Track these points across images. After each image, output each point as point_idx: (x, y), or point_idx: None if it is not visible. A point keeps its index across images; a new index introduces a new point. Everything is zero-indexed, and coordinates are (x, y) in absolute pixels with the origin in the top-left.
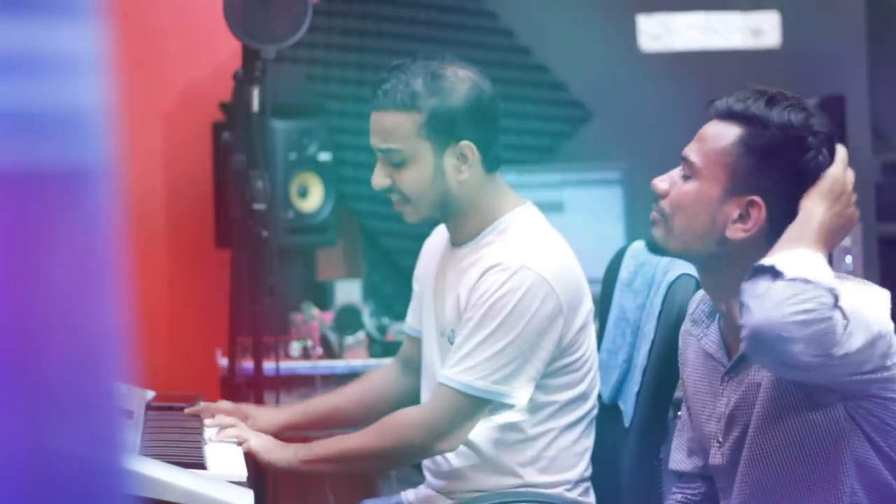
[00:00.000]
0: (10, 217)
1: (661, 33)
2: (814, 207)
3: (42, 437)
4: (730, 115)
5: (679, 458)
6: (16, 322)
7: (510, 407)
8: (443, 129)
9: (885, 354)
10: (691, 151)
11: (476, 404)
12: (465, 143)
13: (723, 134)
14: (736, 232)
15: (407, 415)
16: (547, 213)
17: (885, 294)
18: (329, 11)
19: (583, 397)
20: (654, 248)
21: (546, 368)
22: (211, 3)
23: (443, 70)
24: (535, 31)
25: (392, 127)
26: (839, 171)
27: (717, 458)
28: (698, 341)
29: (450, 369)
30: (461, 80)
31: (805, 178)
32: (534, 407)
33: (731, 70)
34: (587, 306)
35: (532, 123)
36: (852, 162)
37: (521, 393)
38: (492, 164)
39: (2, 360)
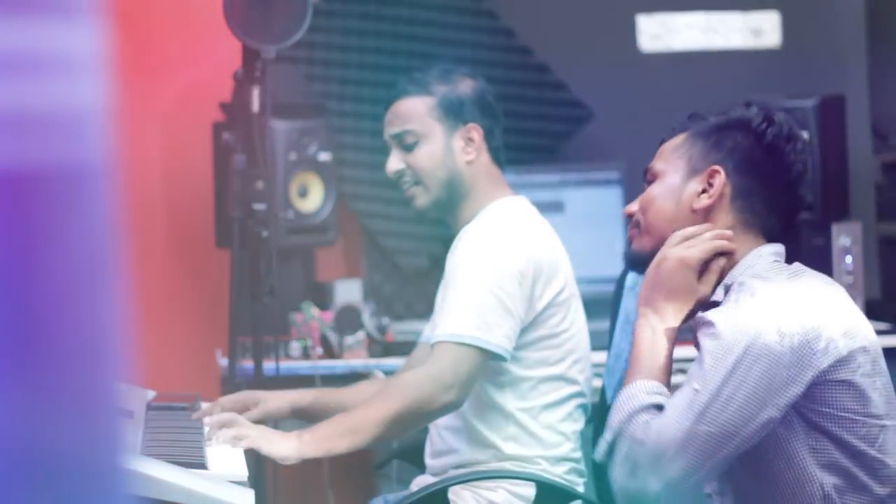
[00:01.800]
0: (10, 217)
1: (661, 33)
2: (641, 331)
3: (41, 437)
4: (676, 131)
5: None
6: (15, 322)
7: (500, 359)
8: (452, 111)
9: (805, 366)
10: (652, 163)
11: (471, 353)
12: (472, 125)
13: (674, 139)
14: (701, 201)
15: (408, 375)
16: (547, 213)
17: (829, 295)
18: (329, 11)
19: (563, 378)
20: (631, 258)
21: (522, 337)
22: (211, 3)
23: (453, 68)
24: (535, 31)
25: (406, 111)
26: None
27: None
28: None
29: (439, 328)
30: (468, 77)
31: (759, 138)
32: (512, 380)
33: (731, 70)
34: (562, 284)
35: (532, 123)
36: (852, 162)
37: (505, 341)
38: (495, 154)
39: (1, 359)
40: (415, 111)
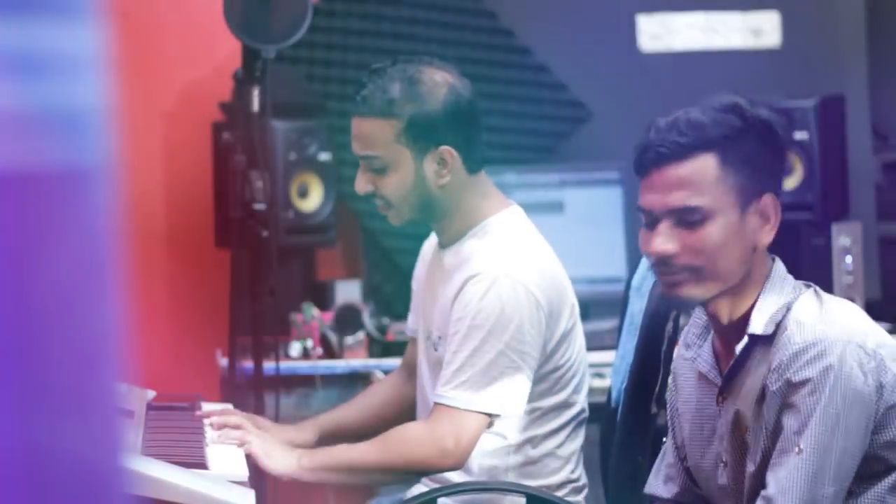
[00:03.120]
0: (10, 217)
1: (661, 33)
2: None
3: (41, 437)
4: (683, 152)
5: (654, 483)
6: (15, 322)
7: (508, 415)
8: (421, 135)
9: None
10: (685, 198)
11: (476, 419)
12: (444, 148)
13: (702, 167)
14: (767, 234)
15: (412, 432)
16: (547, 213)
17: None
18: (329, 11)
19: (566, 404)
20: (687, 305)
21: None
22: (211, 3)
23: (420, 74)
24: (535, 31)
25: (370, 134)
26: None
27: (722, 478)
28: (692, 363)
29: (443, 387)
30: (438, 85)
31: (778, 147)
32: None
33: (731, 70)
34: (569, 312)
35: (532, 123)
36: (852, 162)
37: (518, 402)
38: (474, 165)
39: (1, 359)
40: (380, 136)
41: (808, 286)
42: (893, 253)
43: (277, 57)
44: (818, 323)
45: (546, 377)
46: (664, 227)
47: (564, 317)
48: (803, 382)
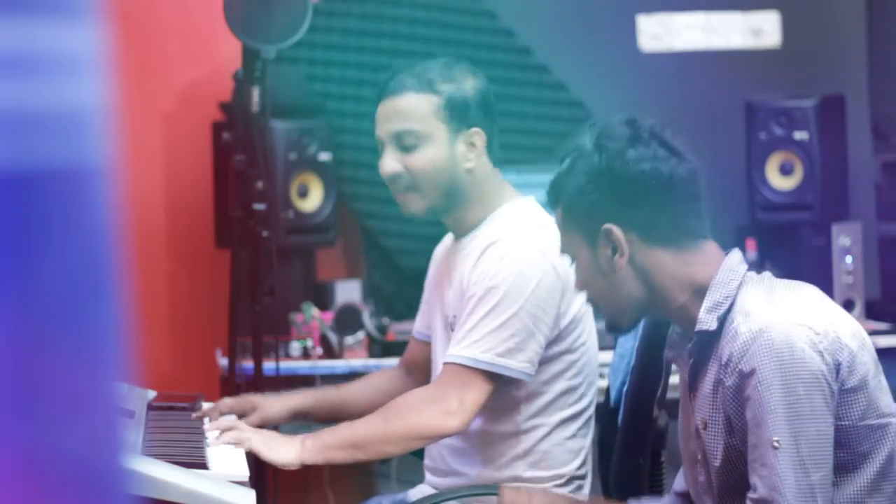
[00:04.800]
0: (9, 217)
1: (661, 33)
2: None
3: (42, 438)
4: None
5: (677, 480)
6: (15, 322)
7: (513, 380)
8: (457, 113)
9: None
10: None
11: (483, 378)
12: (475, 129)
13: (557, 217)
14: (620, 264)
15: (414, 394)
16: (547, 213)
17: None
18: (329, 11)
19: (575, 391)
20: (627, 333)
21: (544, 352)
22: (211, 3)
23: (453, 63)
24: (535, 31)
25: (409, 108)
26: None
27: (701, 475)
28: (675, 364)
29: (454, 347)
30: (472, 73)
31: (604, 168)
32: (528, 396)
33: (731, 70)
34: (582, 300)
35: (532, 123)
36: (852, 162)
37: (526, 366)
38: (495, 157)
39: (1, 360)
40: (418, 109)
41: (759, 273)
42: (893, 253)
43: (277, 57)
44: (764, 310)
45: (559, 357)
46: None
47: (579, 299)
48: (753, 371)
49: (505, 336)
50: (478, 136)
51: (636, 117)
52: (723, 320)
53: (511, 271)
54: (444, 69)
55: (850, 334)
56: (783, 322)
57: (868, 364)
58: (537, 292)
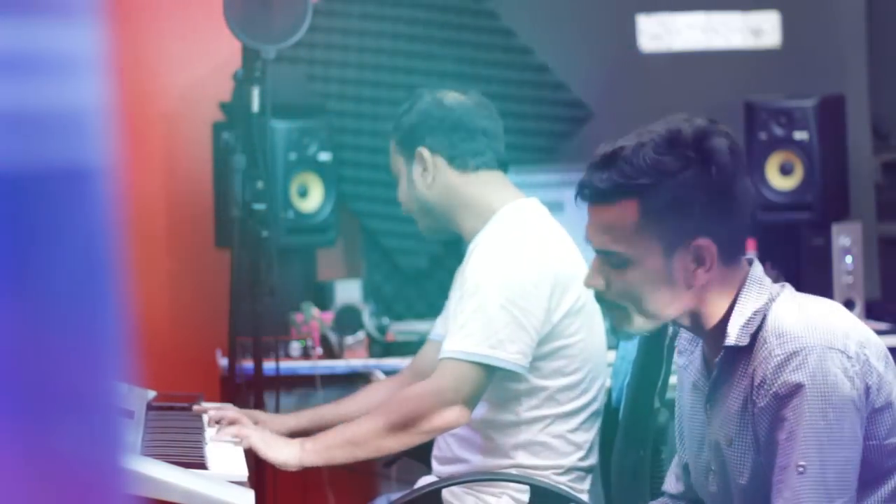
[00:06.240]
0: (10, 217)
1: (661, 33)
2: None
3: (41, 438)
4: (604, 197)
5: (668, 480)
6: (15, 322)
7: (514, 374)
8: (405, 141)
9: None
10: (607, 242)
11: (477, 370)
12: (419, 149)
13: (622, 214)
14: (700, 277)
15: (413, 390)
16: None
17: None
18: (329, 11)
19: (577, 387)
20: (630, 336)
21: (538, 349)
22: (211, 3)
23: (421, 91)
24: (535, 31)
25: (391, 152)
26: None
27: (713, 486)
28: (685, 371)
29: (448, 342)
30: (423, 97)
31: (714, 181)
32: (528, 390)
33: (731, 70)
34: (578, 292)
35: (532, 123)
36: (852, 162)
37: (518, 357)
38: (462, 162)
39: (1, 360)
40: (391, 152)
41: (784, 286)
42: (893, 253)
43: (277, 57)
44: (797, 330)
45: (556, 354)
46: (595, 262)
47: (573, 291)
48: (789, 395)
49: (495, 328)
50: (424, 154)
51: None
52: (754, 337)
53: (497, 267)
54: (410, 100)
55: (877, 355)
56: (817, 346)
57: (893, 383)
58: (524, 285)
